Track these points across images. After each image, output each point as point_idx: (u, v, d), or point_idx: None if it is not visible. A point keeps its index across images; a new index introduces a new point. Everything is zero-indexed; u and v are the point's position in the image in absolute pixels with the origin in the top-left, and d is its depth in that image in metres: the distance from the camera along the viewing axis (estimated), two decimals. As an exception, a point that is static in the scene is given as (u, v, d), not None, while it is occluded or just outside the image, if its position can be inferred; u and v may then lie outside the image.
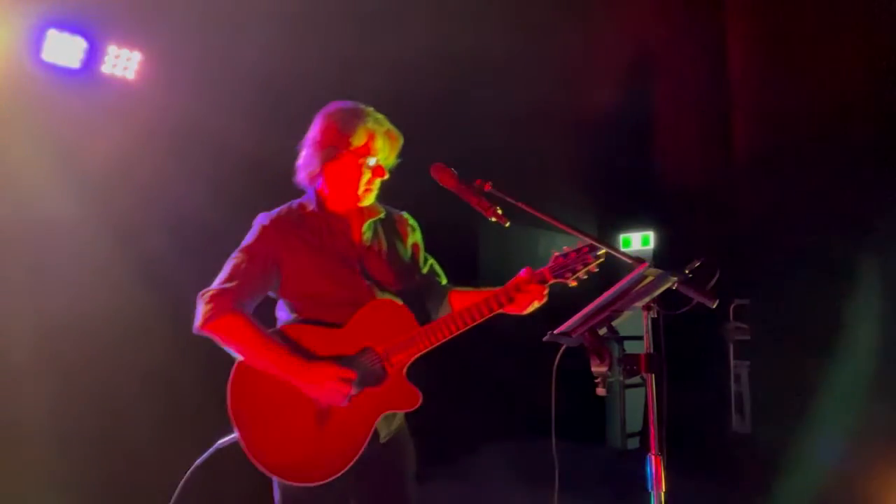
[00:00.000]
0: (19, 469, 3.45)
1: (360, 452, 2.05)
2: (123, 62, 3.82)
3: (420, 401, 2.10)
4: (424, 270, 2.40)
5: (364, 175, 2.19)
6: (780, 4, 4.87)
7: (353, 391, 2.04)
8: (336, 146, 2.18)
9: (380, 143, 2.20)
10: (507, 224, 2.03)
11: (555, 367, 1.92)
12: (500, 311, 2.15)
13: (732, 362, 5.98)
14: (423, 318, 2.17)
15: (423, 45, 4.42)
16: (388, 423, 2.17)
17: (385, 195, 2.37)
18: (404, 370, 2.12)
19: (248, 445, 2.03)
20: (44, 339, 3.53)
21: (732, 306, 5.84)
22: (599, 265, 2.14)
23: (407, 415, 2.25)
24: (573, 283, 2.15)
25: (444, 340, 2.12)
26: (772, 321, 5.00)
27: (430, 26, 4.55)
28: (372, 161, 2.19)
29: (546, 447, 2.02)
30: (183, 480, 2.14)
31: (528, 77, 5.47)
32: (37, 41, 3.53)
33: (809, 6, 4.61)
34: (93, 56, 3.71)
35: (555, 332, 1.81)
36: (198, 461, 2.14)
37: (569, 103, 5.98)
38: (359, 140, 2.18)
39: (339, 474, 2.03)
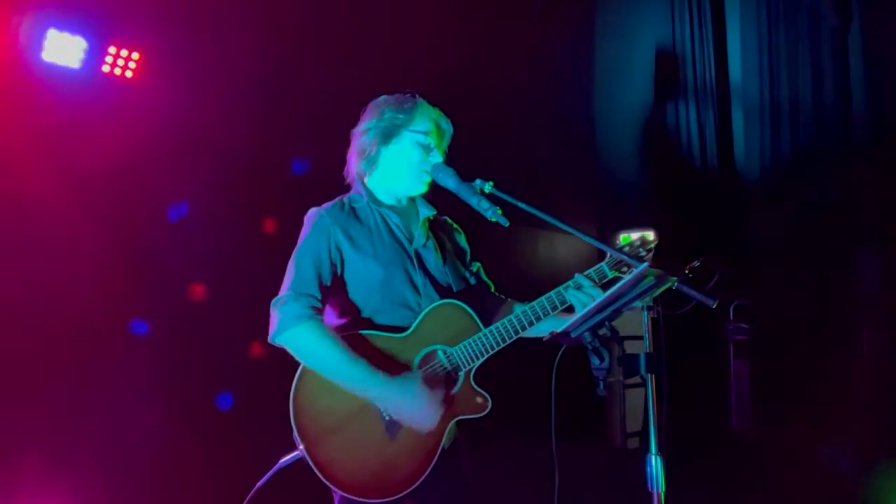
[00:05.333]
0: (20, 469, 3.44)
1: (433, 464, 1.98)
2: (123, 62, 3.81)
3: (489, 406, 2.05)
4: (474, 270, 2.37)
5: (421, 156, 2.15)
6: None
7: (438, 421, 1.97)
8: (397, 125, 2.15)
9: (434, 126, 2.18)
10: (507, 224, 2.02)
11: (554, 367, 1.91)
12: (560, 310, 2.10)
13: (732, 362, 5.98)
14: (485, 321, 2.11)
15: (423, 46, 4.42)
16: (450, 429, 2.09)
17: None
18: (472, 374, 2.07)
19: (316, 463, 1.93)
20: (43, 338, 3.52)
21: (732, 306, 5.83)
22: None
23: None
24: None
25: (510, 342, 2.07)
26: (772, 321, 5.00)
27: (431, 28, 4.55)
28: (429, 142, 2.16)
29: (546, 447, 2.01)
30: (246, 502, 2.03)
31: (528, 77, 5.47)
32: (37, 41, 3.53)
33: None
34: (93, 56, 3.70)
35: (555, 332, 1.81)
36: (260, 482, 2.01)
37: (569, 103, 5.98)
38: (417, 120, 2.16)
39: (410, 490, 1.96)
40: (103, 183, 3.70)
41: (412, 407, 1.95)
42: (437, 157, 2.17)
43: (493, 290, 2.40)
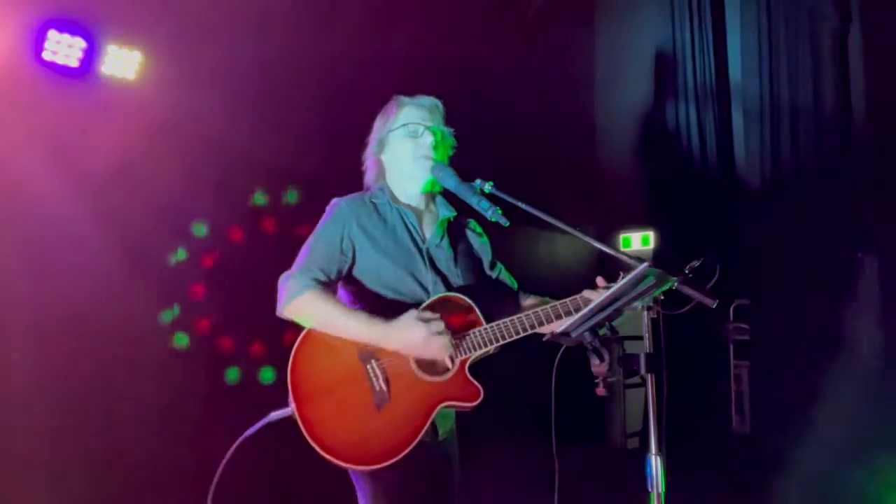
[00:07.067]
0: (19, 468, 3.45)
1: (415, 443, 2.02)
2: (123, 62, 3.81)
3: (481, 397, 2.08)
4: (495, 275, 2.42)
5: (412, 145, 2.23)
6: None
7: (449, 339, 2.03)
8: (382, 131, 2.28)
9: (412, 111, 2.26)
10: (507, 224, 2.02)
11: (554, 367, 1.92)
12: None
13: (732, 362, 5.99)
14: (489, 319, 2.14)
15: (424, 46, 4.42)
16: (445, 421, 2.17)
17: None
18: (467, 365, 2.10)
19: (303, 419, 2.00)
20: (43, 338, 3.53)
21: (732, 306, 5.84)
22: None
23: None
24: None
25: (510, 339, 2.11)
26: (772, 321, 5.00)
27: (431, 28, 4.56)
28: (413, 129, 2.23)
29: (546, 447, 2.02)
30: (230, 451, 2.04)
31: (528, 77, 5.48)
32: (37, 41, 3.53)
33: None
34: (93, 56, 3.71)
35: (555, 332, 1.81)
36: (247, 432, 2.06)
37: (569, 103, 5.98)
38: (395, 118, 2.26)
39: (391, 462, 1.99)
40: (103, 183, 3.71)
41: (418, 334, 2.00)
42: (430, 136, 2.23)
43: (516, 288, 2.43)
